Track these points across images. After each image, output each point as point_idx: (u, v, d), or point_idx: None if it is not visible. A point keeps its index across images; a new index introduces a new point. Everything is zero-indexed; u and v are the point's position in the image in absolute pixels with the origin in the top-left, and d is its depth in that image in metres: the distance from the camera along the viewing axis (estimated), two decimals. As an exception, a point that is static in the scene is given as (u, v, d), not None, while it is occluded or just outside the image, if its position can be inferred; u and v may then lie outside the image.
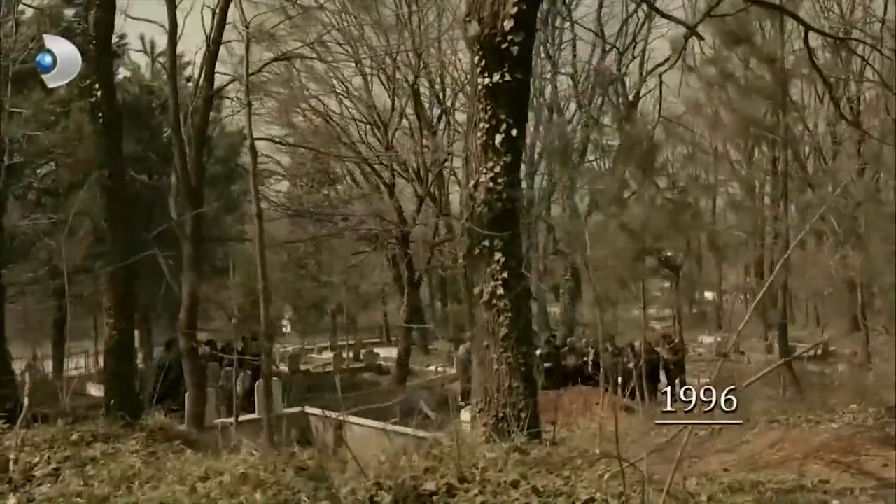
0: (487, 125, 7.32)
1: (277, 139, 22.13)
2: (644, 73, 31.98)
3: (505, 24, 7.12)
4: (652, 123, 27.70)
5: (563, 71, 32.68)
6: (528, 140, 32.46)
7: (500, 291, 7.30)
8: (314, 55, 17.84)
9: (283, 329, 37.33)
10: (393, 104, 25.58)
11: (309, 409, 16.85)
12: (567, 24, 32.84)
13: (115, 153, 9.44)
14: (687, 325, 45.78)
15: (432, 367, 28.37)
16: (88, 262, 21.29)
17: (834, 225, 24.75)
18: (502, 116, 7.31)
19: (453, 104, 30.00)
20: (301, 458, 6.49)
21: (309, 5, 14.92)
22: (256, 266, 13.32)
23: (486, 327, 7.41)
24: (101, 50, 9.56)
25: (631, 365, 22.06)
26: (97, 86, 9.36)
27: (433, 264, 28.68)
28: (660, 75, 17.66)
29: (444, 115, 30.39)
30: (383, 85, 26.96)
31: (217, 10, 14.50)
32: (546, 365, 23.35)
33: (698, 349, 36.00)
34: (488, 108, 7.32)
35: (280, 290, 35.73)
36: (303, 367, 30.28)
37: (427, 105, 31.06)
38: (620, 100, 32.40)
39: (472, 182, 7.44)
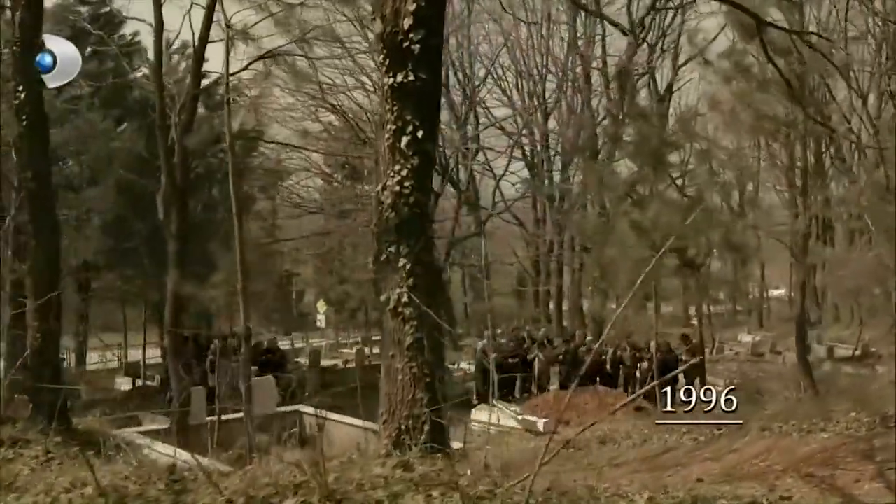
0: (394, 127, 7.07)
1: (262, 138, 22.06)
2: (676, 67, 31.28)
3: (405, 21, 6.86)
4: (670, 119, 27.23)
5: (594, 66, 32.08)
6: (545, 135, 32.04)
7: (406, 299, 7.04)
8: (301, 52, 17.71)
9: (318, 324, 37.42)
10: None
11: (303, 408, 16.74)
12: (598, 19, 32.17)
13: (40, 156, 9.39)
14: (730, 323, 45.02)
15: (454, 365, 28.09)
16: (99, 257, 21.60)
17: (868, 222, 23.94)
18: (408, 117, 7.04)
19: (474, 96, 29.69)
20: (178, 469, 6.33)
21: (292, 2, 14.77)
22: (248, 266, 13.36)
23: (392, 336, 7.17)
24: (25, 51, 9.53)
25: (645, 365, 21.66)
26: (21, 87, 9.32)
27: (451, 261, 28.40)
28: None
29: (471, 108, 30.08)
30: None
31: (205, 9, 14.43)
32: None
33: (736, 348, 35.26)
34: (394, 108, 7.05)
35: (310, 285, 35.90)
36: (330, 363, 30.35)
37: (459, 99, 30.88)
38: (651, 95, 31.75)
39: (379, 186, 7.20)
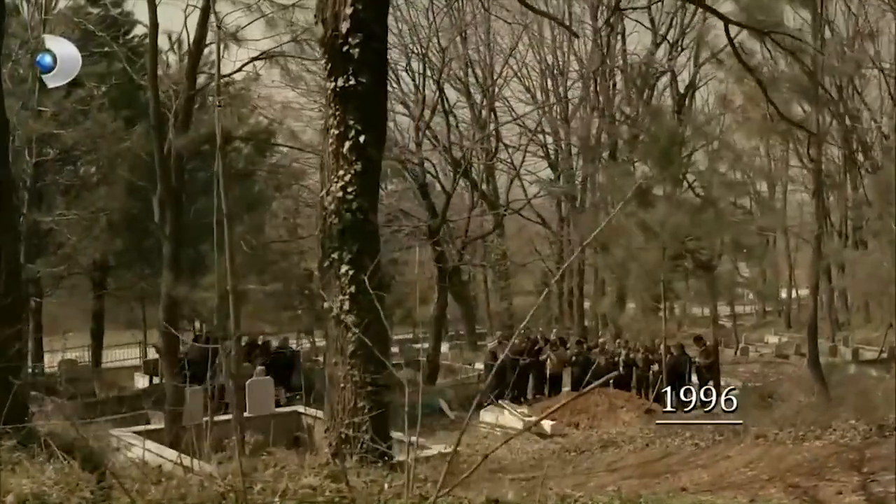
0: (337, 131, 6.98)
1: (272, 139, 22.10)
2: (698, 65, 30.73)
3: (343, 25, 6.76)
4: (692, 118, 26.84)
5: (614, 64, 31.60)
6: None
7: (347, 306, 6.94)
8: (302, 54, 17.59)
9: (342, 323, 37.34)
10: (423, 99, 25.25)
11: (301, 409, 16.72)
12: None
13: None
14: (760, 323, 44.46)
15: (470, 365, 27.96)
16: (112, 256, 21.82)
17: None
18: (351, 122, 6.94)
19: (490, 94, 29.45)
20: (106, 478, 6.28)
21: (285, 3, 14.70)
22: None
23: (334, 343, 7.08)
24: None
25: (656, 367, 21.36)
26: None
27: (464, 260, 28.21)
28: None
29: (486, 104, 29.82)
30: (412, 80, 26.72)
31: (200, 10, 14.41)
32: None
33: (762, 349, 34.77)
34: (337, 113, 6.97)
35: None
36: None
37: (479, 98, 30.63)
38: (673, 94, 31.32)
39: (323, 191, 7.11)
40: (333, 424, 7.06)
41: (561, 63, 32.86)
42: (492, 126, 30.09)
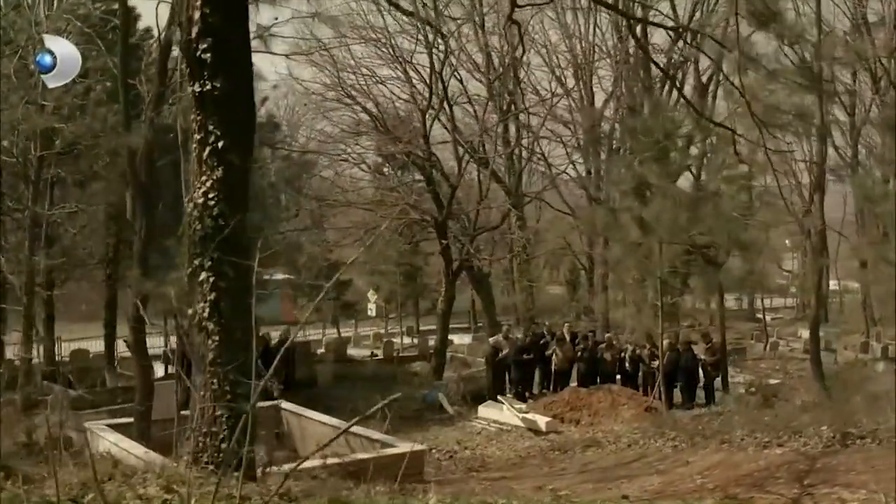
0: (199, 136, 6.88)
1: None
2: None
3: (194, 30, 6.65)
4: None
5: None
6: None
7: (207, 313, 6.85)
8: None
9: (369, 312, 37.57)
10: (432, 90, 24.98)
11: (284, 404, 16.64)
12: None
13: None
14: (799, 317, 43.34)
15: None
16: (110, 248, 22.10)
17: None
18: (210, 128, 6.84)
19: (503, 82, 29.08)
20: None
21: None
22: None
23: (197, 350, 7.00)
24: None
25: (655, 364, 20.92)
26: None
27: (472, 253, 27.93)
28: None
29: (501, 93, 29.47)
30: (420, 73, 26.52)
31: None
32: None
33: (793, 344, 33.96)
34: (198, 118, 6.87)
35: (359, 273, 35.98)
36: (362, 353, 30.33)
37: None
38: (695, 84, 30.59)
39: (186, 197, 7.02)
40: (193, 433, 6.99)
41: (587, 52, 32.47)
42: (504, 118, 29.82)
